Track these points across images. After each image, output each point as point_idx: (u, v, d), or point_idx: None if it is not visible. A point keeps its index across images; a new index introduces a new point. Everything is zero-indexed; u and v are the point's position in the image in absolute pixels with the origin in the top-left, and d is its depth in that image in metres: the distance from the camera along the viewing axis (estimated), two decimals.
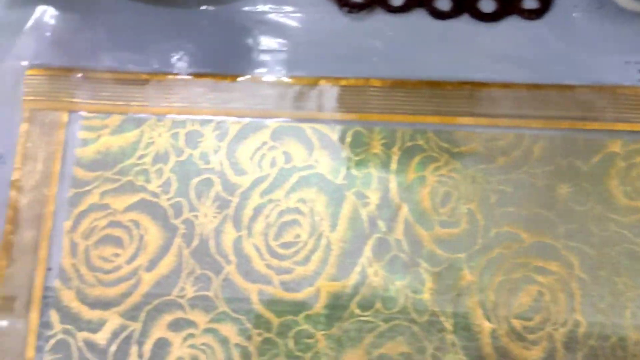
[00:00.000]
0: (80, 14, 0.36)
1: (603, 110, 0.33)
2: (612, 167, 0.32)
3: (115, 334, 0.30)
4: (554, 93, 0.34)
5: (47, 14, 0.36)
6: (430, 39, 0.35)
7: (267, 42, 0.35)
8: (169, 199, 0.32)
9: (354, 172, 0.33)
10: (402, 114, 0.33)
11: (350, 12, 0.35)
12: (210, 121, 0.34)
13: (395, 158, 0.33)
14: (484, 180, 0.32)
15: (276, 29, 0.35)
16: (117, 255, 0.32)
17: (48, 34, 0.36)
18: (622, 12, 0.34)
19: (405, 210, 0.32)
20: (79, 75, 0.34)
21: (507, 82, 0.34)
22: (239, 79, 0.34)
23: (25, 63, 0.35)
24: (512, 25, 0.35)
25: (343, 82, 0.34)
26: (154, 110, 0.34)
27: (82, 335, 0.30)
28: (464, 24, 0.35)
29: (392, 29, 0.35)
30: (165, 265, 0.31)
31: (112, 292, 0.31)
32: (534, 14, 0.35)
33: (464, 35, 0.35)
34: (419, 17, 0.36)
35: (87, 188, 0.33)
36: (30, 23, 0.36)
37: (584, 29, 0.35)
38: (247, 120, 0.34)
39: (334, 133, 0.33)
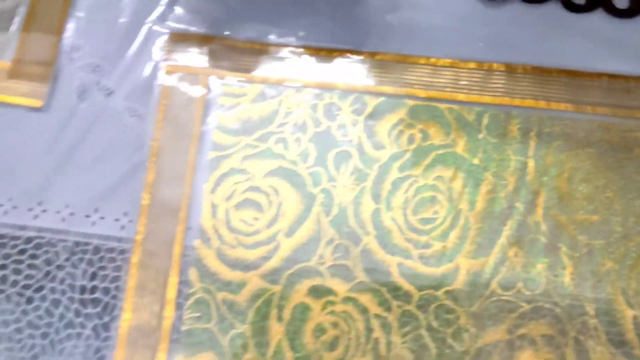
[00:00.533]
0: None
1: None
2: None
3: (255, 297, 0.31)
4: None
5: None
6: (564, 29, 0.36)
7: (404, 21, 0.36)
8: (307, 168, 0.33)
9: (491, 154, 0.33)
10: (538, 100, 0.34)
11: None
12: (348, 95, 0.34)
13: (532, 143, 0.33)
14: (622, 170, 0.32)
15: (414, 10, 0.36)
16: (256, 219, 0.32)
17: (190, 0, 0.36)
18: None
19: (543, 194, 0.32)
20: (220, 43, 0.35)
21: None
22: (376, 56, 0.35)
23: (166, 29, 0.36)
24: None
25: (485, 66, 0.34)
26: (292, 82, 0.35)
27: (222, 295, 0.31)
28: (598, 17, 0.36)
29: (527, 18, 0.36)
30: (304, 232, 0.32)
31: (252, 254, 0.31)
32: None
33: (599, 29, 0.36)
34: (553, 9, 0.36)
35: (227, 152, 0.33)
36: None
37: None
38: (383, 97, 0.34)
39: (470, 115, 0.34)
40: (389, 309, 0.30)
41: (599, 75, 0.34)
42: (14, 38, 0.35)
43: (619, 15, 0.36)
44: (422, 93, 0.34)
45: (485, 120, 0.34)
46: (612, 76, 0.34)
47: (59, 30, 0.35)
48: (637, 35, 0.35)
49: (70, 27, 0.36)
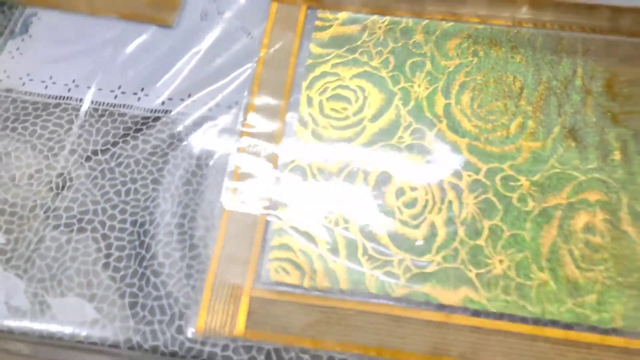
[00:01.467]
0: None
1: None
2: None
3: (343, 165, 0.36)
4: None
5: None
6: None
7: None
8: (388, 72, 0.39)
9: (544, 65, 0.39)
10: (585, 28, 0.40)
11: None
12: (420, 22, 0.41)
13: (580, 57, 0.39)
14: None
15: None
16: (345, 109, 0.38)
17: None
18: None
19: (591, 93, 0.37)
20: None
21: None
22: None
23: None
24: None
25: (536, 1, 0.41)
26: (373, 10, 0.42)
27: (315, 164, 0.36)
28: None
29: None
30: (386, 119, 0.37)
31: (342, 134, 0.37)
32: None
33: None
34: None
35: (320, 60, 0.40)
36: None
37: None
38: (452, 22, 0.41)
39: (526, 36, 0.40)
40: (460, 177, 0.35)
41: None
42: None
43: None
44: (484, 19, 0.41)
45: (538, 41, 0.40)
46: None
47: None
48: None
49: None
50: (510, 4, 0.41)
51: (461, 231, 0.33)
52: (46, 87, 0.40)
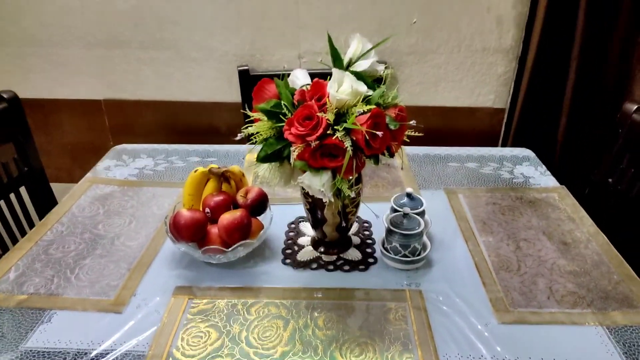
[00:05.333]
0: None
1: None
2: None
3: None
4: None
5: None
6: None
7: None
8: (223, 323, 0.83)
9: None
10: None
11: None
12: (240, 300, 0.88)
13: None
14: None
15: None
16: (199, 341, 0.79)
17: None
18: None
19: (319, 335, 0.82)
20: None
21: None
22: None
23: None
24: None
25: None
26: (218, 297, 0.88)
27: None
28: None
29: None
30: (217, 344, 0.78)
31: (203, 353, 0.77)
32: None
33: None
34: None
35: (192, 321, 0.83)
36: None
37: None
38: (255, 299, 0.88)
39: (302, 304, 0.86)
40: None
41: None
42: None
43: None
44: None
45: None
46: None
47: None
48: None
49: None
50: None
51: None
52: None
